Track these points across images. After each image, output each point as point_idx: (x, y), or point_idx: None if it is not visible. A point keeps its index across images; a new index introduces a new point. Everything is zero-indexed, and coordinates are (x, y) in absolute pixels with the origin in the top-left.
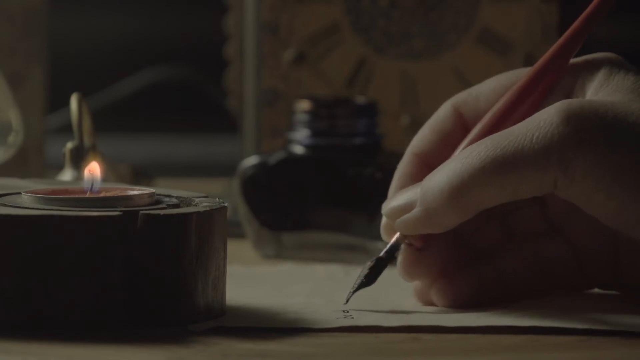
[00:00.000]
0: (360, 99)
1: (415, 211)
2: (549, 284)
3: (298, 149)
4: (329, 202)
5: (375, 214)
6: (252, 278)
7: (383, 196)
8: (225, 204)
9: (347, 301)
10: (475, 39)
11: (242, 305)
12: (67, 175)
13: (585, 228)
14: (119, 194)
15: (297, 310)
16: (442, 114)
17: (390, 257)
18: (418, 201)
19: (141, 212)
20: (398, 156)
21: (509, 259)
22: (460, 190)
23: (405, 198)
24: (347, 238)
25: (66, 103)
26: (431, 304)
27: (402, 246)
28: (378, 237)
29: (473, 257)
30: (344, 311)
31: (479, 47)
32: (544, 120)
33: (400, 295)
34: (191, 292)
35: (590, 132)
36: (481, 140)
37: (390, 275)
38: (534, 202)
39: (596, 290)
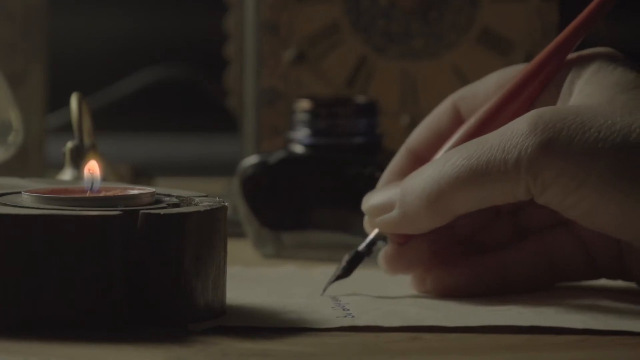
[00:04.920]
0: (360, 99)
1: (394, 213)
2: (556, 277)
3: (298, 149)
4: (329, 202)
5: None
6: (252, 278)
7: None
8: (226, 204)
9: (324, 291)
10: (475, 39)
11: (242, 304)
12: (67, 174)
13: None
14: (119, 194)
15: (297, 310)
16: (440, 110)
17: (368, 251)
18: (397, 203)
19: (141, 211)
20: None
21: (514, 252)
22: (436, 197)
23: (384, 197)
24: (347, 238)
25: (66, 103)
26: (427, 292)
27: (387, 239)
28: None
29: (474, 249)
30: (343, 309)
31: (479, 47)
32: (515, 130)
33: (400, 294)
34: (191, 291)
35: (556, 139)
36: (458, 147)
37: (390, 280)
38: None
39: (601, 282)
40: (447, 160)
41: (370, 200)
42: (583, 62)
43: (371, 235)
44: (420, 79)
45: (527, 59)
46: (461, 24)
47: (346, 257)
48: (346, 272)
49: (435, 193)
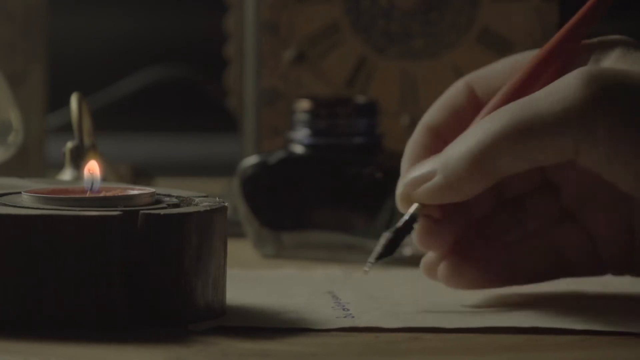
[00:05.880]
0: (360, 99)
1: (437, 179)
2: (562, 272)
3: (298, 149)
4: (329, 202)
5: (375, 214)
6: (252, 279)
7: (383, 196)
8: (226, 204)
9: (366, 272)
10: (475, 39)
11: (242, 305)
12: (67, 174)
13: (600, 213)
14: (119, 194)
15: (297, 310)
16: (455, 89)
17: (408, 228)
18: (439, 169)
19: (141, 211)
20: (398, 156)
21: (522, 246)
22: (481, 155)
23: (425, 168)
24: (347, 238)
25: (66, 103)
26: (438, 279)
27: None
28: (378, 237)
29: (485, 242)
30: (343, 309)
31: (479, 47)
32: (565, 84)
33: (400, 294)
34: (191, 292)
35: (609, 96)
36: (502, 108)
37: (391, 275)
38: (547, 189)
39: (603, 279)
40: (492, 118)
41: (410, 174)
42: (606, 46)
43: (409, 211)
44: (420, 79)
45: None
46: (461, 24)
47: (386, 235)
48: (389, 250)
49: (480, 152)
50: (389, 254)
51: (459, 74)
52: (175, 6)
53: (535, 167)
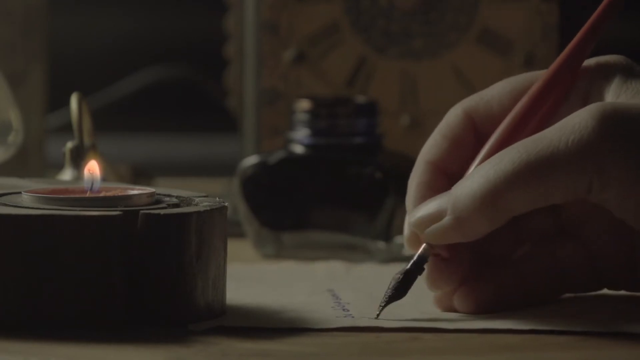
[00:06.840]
0: (360, 99)
1: (446, 219)
2: (565, 287)
3: (298, 149)
4: (329, 202)
5: (375, 214)
6: (252, 277)
7: (383, 196)
8: (226, 204)
9: (377, 316)
10: (475, 39)
11: (242, 304)
12: (67, 174)
13: (601, 233)
14: (119, 194)
15: (297, 310)
16: (452, 119)
17: (418, 269)
18: (448, 209)
19: (141, 211)
20: (398, 156)
21: (527, 263)
22: (493, 196)
23: (433, 207)
24: (347, 238)
25: (66, 103)
26: (452, 310)
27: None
28: (378, 237)
29: (492, 263)
30: (343, 309)
31: (479, 47)
32: (578, 123)
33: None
34: (191, 292)
35: (625, 134)
36: (512, 146)
37: (391, 274)
38: (545, 209)
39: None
40: (502, 158)
41: (418, 213)
42: (606, 72)
43: (418, 252)
44: (420, 79)
45: (527, 59)
46: (461, 24)
47: (397, 277)
48: (401, 293)
49: (491, 193)
50: (400, 297)
51: (459, 74)
52: (175, 6)
53: (546, 205)
